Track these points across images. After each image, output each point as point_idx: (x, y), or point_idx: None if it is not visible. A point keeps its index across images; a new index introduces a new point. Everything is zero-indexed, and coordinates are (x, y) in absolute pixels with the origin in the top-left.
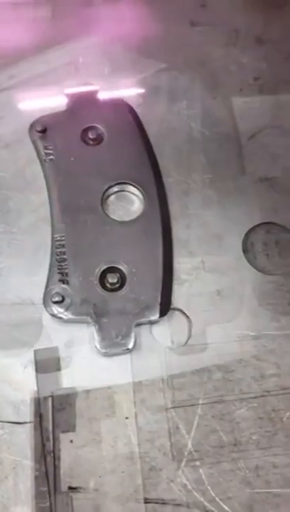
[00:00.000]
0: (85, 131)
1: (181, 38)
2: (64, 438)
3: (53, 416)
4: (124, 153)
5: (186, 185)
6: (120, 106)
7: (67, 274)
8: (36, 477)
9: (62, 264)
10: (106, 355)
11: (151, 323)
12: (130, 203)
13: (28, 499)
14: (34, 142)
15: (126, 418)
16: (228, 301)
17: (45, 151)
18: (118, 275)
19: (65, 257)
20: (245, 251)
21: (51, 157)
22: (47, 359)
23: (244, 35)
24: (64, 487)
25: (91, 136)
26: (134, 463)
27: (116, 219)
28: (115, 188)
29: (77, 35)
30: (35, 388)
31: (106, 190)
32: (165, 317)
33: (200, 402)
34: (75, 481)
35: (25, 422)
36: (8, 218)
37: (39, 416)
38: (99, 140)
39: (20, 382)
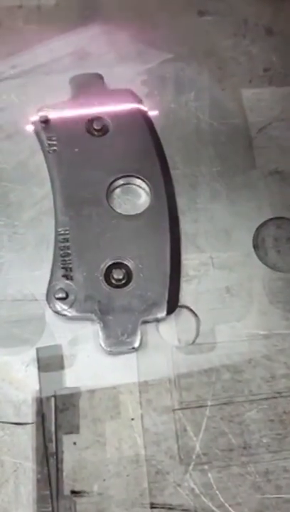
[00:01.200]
0: (90, 121)
1: (189, 27)
2: (67, 439)
3: (56, 417)
4: (130, 144)
5: (194, 178)
6: (126, 96)
7: (71, 270)
8: (38, 480)
9: (66, 259)
10: (111, 353)
11: (158, 320)
12: (136, 196)
13: (30, 503)
14: (37, 133)
15: (132, 419)
16: (237, 299)
17: (48, 142)
18: (124, 271)
19: (68, 251)
20: (255, 247)
21: (54, 148)
22: (50, 357)
23: (253, 26)
24: (67, 491)
25: (96, 127)
26: (140, 466)
27: (122, 213)
28: (121, 181)
29: (81, 24)
30: (37, 388)
31: (112, 183)
32: (172, 315)
33: (209, 403)
34: (78, 484)
35: (26, 423)
36: (9, 211)
37: (41, 416)
38: (104, 131)
39: (22, 381)
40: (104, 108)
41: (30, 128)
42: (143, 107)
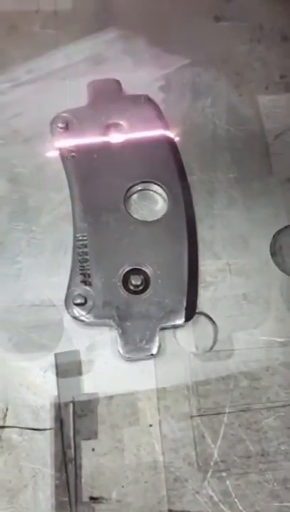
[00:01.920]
0: (108, 127)
1: (205, 33)
2: (85, 446)
3: (74, 422)
4: (147, 150)
5: (211, 185)
6: (144, 102)
7: (89, 276)
8: (56, 486)
9: (84, 264)
10: (129, 360)
11: (176, 327)
12: (153, 202)
13: (48, 509)
14: (55, 138)
15: (150, 426)
16: (255, 306)
17: (67, 147)
18: (142, 277)
19: (87, 257)
20: (273, 254)
21: (73, 154)
22: (68, 363)
23: (269, 32)
24: (85, 497)
25: (114, 133)
26: (158, 472)
27: (140, 219)
28: (138, 187)
29: (98, 29)
30: (56, 393)
31: (129, 188)
32: (190, 321)
33: (226, 410)
34: (97, 490)
35: (44, 429)
36: (27, 216)
37: (59, 422)
38: (122, 137)
39: (40, 386)
40: (122, 114)
41: (47, 132)
42: (161, 113)
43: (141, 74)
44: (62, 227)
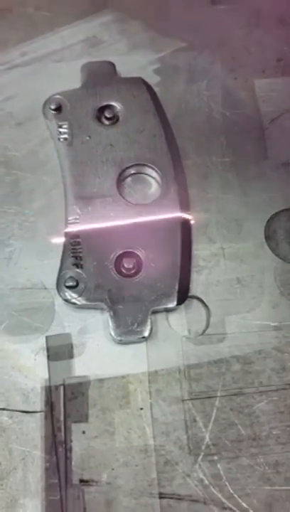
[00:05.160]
0: (101, 109)
1: (202, 16)
2: (76, 428)
3: (65, 405)
4: (141, 133)
5: (205, 168)
6: (138, 84)
7: (81, 258)
8: (46, 469)
9: (76, 247)
10: (121, 342)
11: (168, 311)
12: (147, 185)
13: (38, 491)
14: (48, 121)
15: (141, 409)
16: (248, 290)
17: (59, 129)
18: (134, 260)
19: (79, 240)
20: (267, 238)
21: (65, 136)
22: (59, 346)
23: (266, 15)
24: (75, 480)
25: (107, 115)
26: (149, 456)
27: (133, 202)
28: (132, 170)
29: (93, 12)
30: (47, 376)
31: (123, 171)
32: (183, 305)
33: (218, 394)
34: (87, 473)
35: (35, 411)
36: (19, 199)
37: (50, 405)
38: (115, 119)
39: (31, 369)
40: (115, 96)
41: (41, 115)
42: (155, 96)
43: (136, 57)
44: (55, 210)
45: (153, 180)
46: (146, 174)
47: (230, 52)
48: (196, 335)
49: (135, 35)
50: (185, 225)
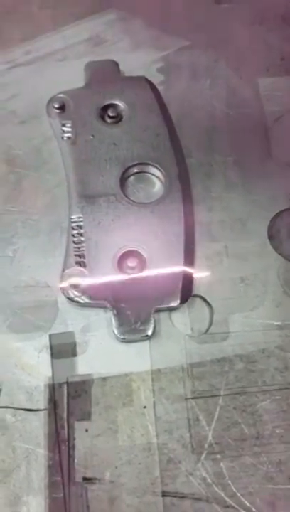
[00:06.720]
0: (105, 108)
1: (206, 15)
2: (79, 426)
3: (68, 403)
4: (145, 132)
5: (209, 167)
6: (141, 83)
7: (84, 257)
8: (50, 466)
9: (80, 246)
10: (124, 341)
11: (171, 309)
12: (150, 184)
13: (41, 489)
14: (51, 119)
15: (144, 407)
16: (251, 289)
17: (63, 128)
18: (137, 259)
19: (82, 238)
20: (270, 237)
21: (68, 135)
22: (62, 344)
23: (270, 14)
24: (78, 478)
25: (111, 114)
26: (152, 454)
27: (136, 201)
28: (135, 169)
29: (97, 10)
30: (50, 374)
31: (126, 170)
32: (186, 304)
33: (221, 392)
34: (90, 471)
35: (38, 410)
36: (23, 198)
37: (53, 403)
38: (118, 118)
39: (34, 367)
40: (119, 95)
41: (44, 114)
42: (159, 94)
43: (139, 56)
44: (58, 209)
45: (156, 179)
46: (149, 173)
47: (234, 51)
48: (199, 333)
49: (138, 33)
50: (189, 223)
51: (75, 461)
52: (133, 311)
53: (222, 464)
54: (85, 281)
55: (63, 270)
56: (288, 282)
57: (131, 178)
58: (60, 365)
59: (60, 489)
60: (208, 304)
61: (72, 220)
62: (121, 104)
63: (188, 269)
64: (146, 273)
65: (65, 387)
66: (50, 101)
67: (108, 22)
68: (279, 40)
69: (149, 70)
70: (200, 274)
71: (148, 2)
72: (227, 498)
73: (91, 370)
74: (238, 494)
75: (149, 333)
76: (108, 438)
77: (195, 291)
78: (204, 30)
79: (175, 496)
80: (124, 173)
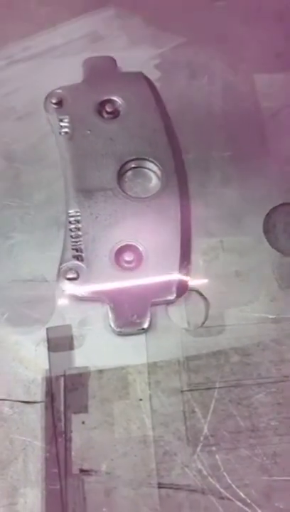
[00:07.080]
0: (102, 104)
1: (202, 12)
2: (76, 419)
3: (65, 396)
4: (142, 127)
5: (205, 163)
6: (138, 79)
7: (81, 251)
8: (47, 459)
9: (77, 240)
10: (120, 334)
11: (168, 303)
12: (147, 179)
13: (38, 481)
14: (49, 115)
15: (140, 400)
16: (247, 283)
17: (60, 123)
18: (134, 253)
19: (79, 233)
20: (266, 232)
21: (66, 130)
22: (59, 337)
23: (265, 11)
24: (75, 470)
25: (108, 110)
26: (148, 446)
27: (133, 196)
28: (132, 164)
29: (94, 7)
30: (47, 367)
31: (123, 165)
32: (182, 298)
33: (217, 385)
34: (87, 463)
35: (35, 402)
36: (20, 193)
37: (50, 396)
38: (116, 114)
39: (32, 360)
40: (116, 91)
41: (42, 110)
42: (156, 90)
43: (137, 52)
44: (56, 203)
45: (153, 174)
46: (146, 168)
47: (230, 47)
48: (195, 327)
49: (136, 30)
50: (185, 218)
51: (72, 453)
52: (130, 305)
53: (217, 456)
54: (82, 275)
55: (60, 264)
56: (283, 276)
57: (128, 173)
58: (57, 359)
59: (57, 481)
60: (204, 298)
61: (70, 215)
62: (118, 100)
63: (184, 264)
64: (143, 267)
65: (62, 380)
66: (48, 96)
67: (106, 19)
68: (274, 37)
69: (146, 66)
70: (196, 268)
71: None
72: (222, 490)
73: (88, 363)
74: (233, 486)
75: (145, 326)
76: (104, 430)
77: (191, 285)
78: (200, 27)
79: (170, 488)
80: (121, 168)
